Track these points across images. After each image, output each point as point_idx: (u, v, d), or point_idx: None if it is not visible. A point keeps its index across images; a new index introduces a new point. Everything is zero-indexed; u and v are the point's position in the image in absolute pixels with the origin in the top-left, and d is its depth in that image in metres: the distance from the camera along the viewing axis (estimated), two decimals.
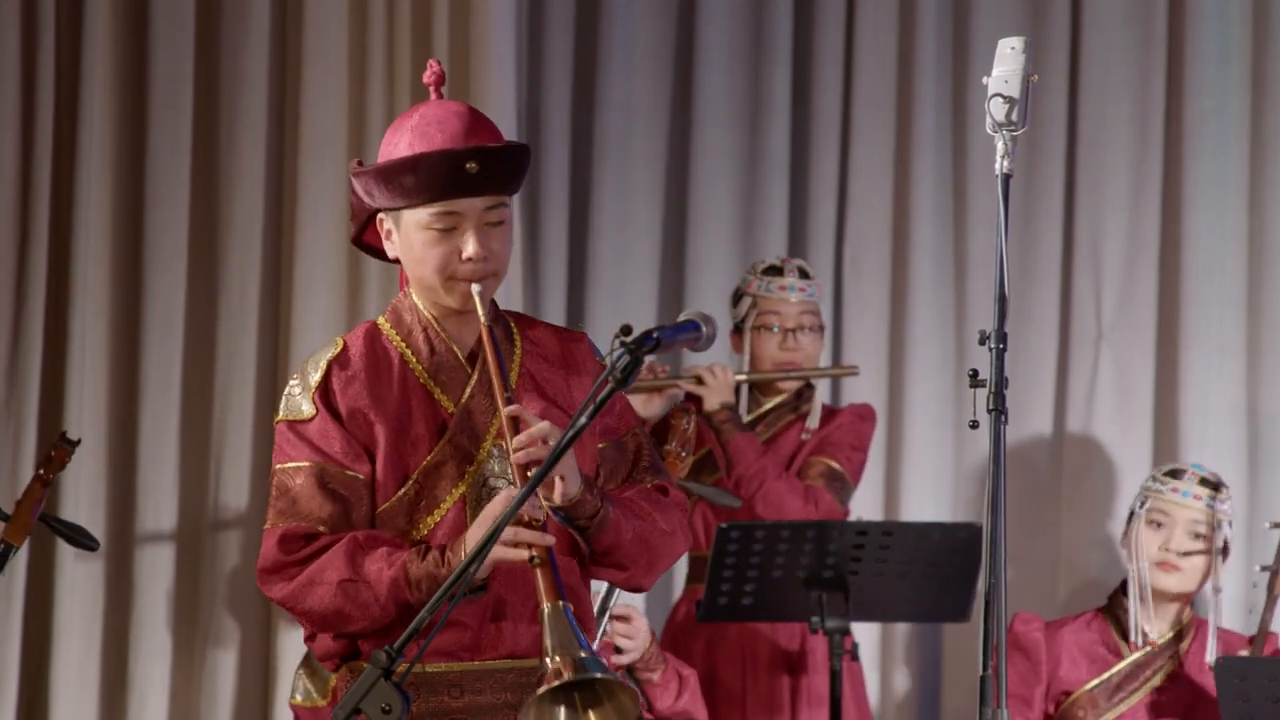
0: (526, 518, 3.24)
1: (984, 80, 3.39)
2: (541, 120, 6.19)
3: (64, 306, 5.62)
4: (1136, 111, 6.11)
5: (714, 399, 5.42)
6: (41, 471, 5.00)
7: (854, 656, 5.23)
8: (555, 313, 6.10)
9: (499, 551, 3.23)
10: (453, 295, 3.44)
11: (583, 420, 3.20)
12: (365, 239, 3.56)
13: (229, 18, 5.75)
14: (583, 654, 3.14)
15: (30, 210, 5.61)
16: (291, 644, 5.54)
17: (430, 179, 3.39)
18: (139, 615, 5.67)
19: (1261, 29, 6.10)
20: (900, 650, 6.09)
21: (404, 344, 3.48)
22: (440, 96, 3.52)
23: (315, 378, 3.44)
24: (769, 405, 5.56)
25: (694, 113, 6.22)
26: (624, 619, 4.97)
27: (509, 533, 3.22)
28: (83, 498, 5.58)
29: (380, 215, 3.48)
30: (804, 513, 5.32)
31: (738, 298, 5.58)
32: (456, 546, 3.32)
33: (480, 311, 3.40)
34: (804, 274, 5.56)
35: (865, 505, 5.91)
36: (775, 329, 5.51)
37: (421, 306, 3.50)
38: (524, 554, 3.24)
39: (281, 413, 3.46)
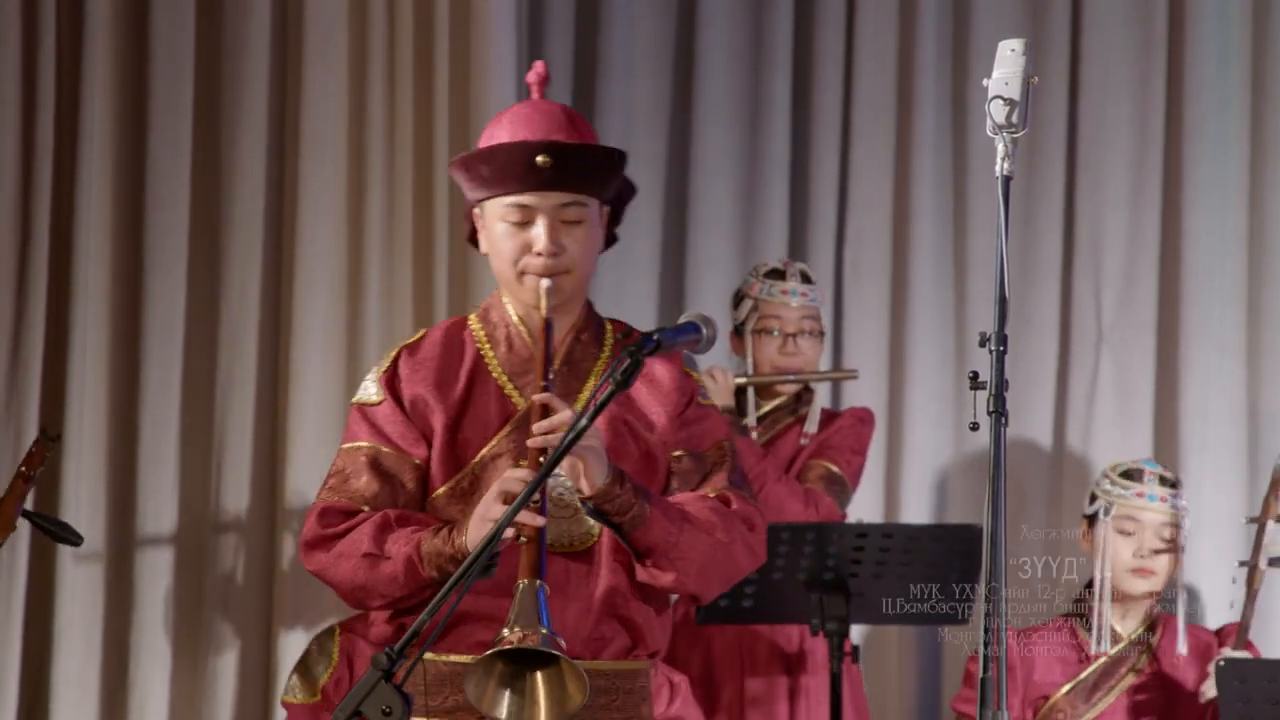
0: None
1: (984, 82, 3.39)
2: None
3: (65, 308, 5.62)
4: (1136, 113, 6.11)
5: (713, 402, 5.42)
6: (23, 468, 4.99)
7: (854, 658, 5.23)
8: None
9: (490, 529, 3.26)
10: (524, 289, 3.51)
11: (583, 422, 3.24)
12: (477, 236, 3.64)
13: (229, 19, 5.75)
14: (543, 631, 3.18)
15: (31, 212, 5.60)
16: (292, 646, 5.54)
17: (504, 170, 3.47)
18: (139, 618, 5.66)
19: (1261, 30, 6.10)
20: (900, 652, 6.08)
21: (485, 338, 3.56)
22: (542, 96, 3.59)
23: (385, 364, 3.56)
24: (768, 408, 5.56)
25: (694, 114, 6.21)
26: None
27: (500, 511, 3.27)
28: (83, 500, 5.58)
29: (475, 209, 3.57)
30: (804, 516, 5.32)
31: (738, 300, 5.58)
32: (462, 526, 3.38)
33: (544, 306, 3.47)
34: (806, 278, 5.56)
35: (865, 507, 5.90)
36: (776, 333, 5.51)
37: (507, 303, 3.58)
38: (511, 533, 3.27)
39: (356, 396, 3.58)
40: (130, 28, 5.72)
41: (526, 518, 3.27)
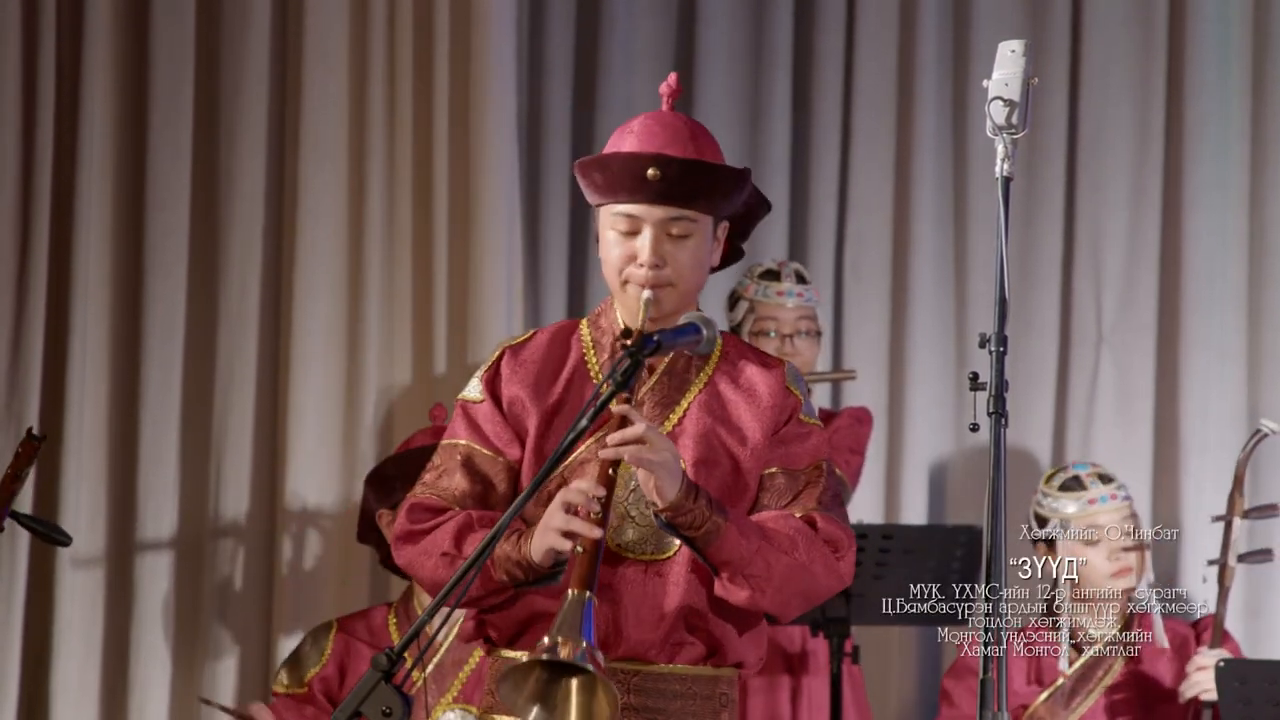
0: (584, 510, 3.31)
1: (984, 83, 3.39)
2: (541, 120, 6.18)
3: (64, 310, 5.62)
4: (1137, 114, 6.11)
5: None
6: (11, 470, 4.98)
7: (855, 659, 5.23)
8: (555, 313, 6.09)
9: (550, 539, 3.33)
10: (628, 297, 3.53)
11: (584, 423, 3.27)
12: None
13: (229, 19, 5.75)
14: (583, 645, 3.19)
15: (31, 213, 5.60)
16: (291, 649, 5.53)
17: (616, 179, 3.50)
18: (139, 621, 5.66)
19: (1262, 31, 6.10)
20: (900, 652, 6.08)
21: (591, 343, 3.59)
22: (671, 109, 3.60)
23: (489, 363, 3.60)
24: None
25: (694, 115, 6.19)
26: None
27: (561, 520, 3.31)
28: (82, 501, 5.58)
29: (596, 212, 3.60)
30: None
31: (734, 301, 5.57)
32: (531, 533, 3.41)
33: (641, 317, 3.48)
34: (801, 278, 5.56)
35: (865, 508, 5.90)
36: (772, 334, 5.51)
37: (616, 309, 3.61)
38: (569, 543, 3.31)
39: (461, 392, 3.61)
40: (130, 28, 5.72)
41: (584, 528, 3.30)
